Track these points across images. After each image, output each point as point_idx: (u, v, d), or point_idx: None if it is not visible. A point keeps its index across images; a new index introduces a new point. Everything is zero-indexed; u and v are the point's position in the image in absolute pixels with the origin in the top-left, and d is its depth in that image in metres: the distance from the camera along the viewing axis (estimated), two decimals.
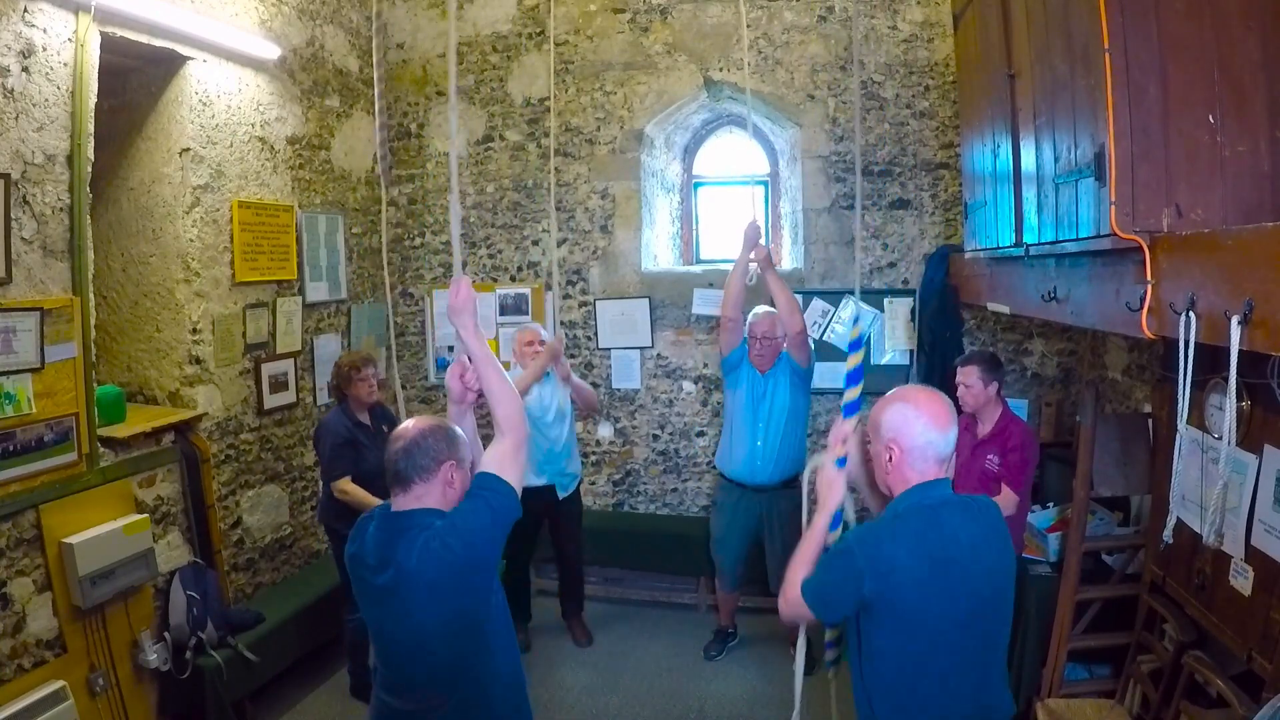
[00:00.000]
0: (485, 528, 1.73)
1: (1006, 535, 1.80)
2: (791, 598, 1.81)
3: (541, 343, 3.89)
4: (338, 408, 3.56)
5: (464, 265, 4.98)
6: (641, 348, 4.79)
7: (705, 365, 4.73)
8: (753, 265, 3.64)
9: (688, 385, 4.78)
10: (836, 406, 4.42)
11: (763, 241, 3.65)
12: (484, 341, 1.90)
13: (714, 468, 4.66)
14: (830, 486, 1.94)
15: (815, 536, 1.91)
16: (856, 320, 2.61)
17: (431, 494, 1.76)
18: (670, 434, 4.84)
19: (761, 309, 3.76)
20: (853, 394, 2.35)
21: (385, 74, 4.93)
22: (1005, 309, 3.18)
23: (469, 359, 1.90)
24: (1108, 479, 3.00)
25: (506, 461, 1.81)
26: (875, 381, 4.46)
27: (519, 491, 1.81)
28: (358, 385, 3.49)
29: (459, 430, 1.86)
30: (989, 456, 3.12)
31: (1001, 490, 3.04)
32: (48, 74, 2.84)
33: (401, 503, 1.78)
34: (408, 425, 1.82)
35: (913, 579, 1.63)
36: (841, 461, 1.97)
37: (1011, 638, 3.07)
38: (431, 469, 1.76)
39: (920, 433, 1.70)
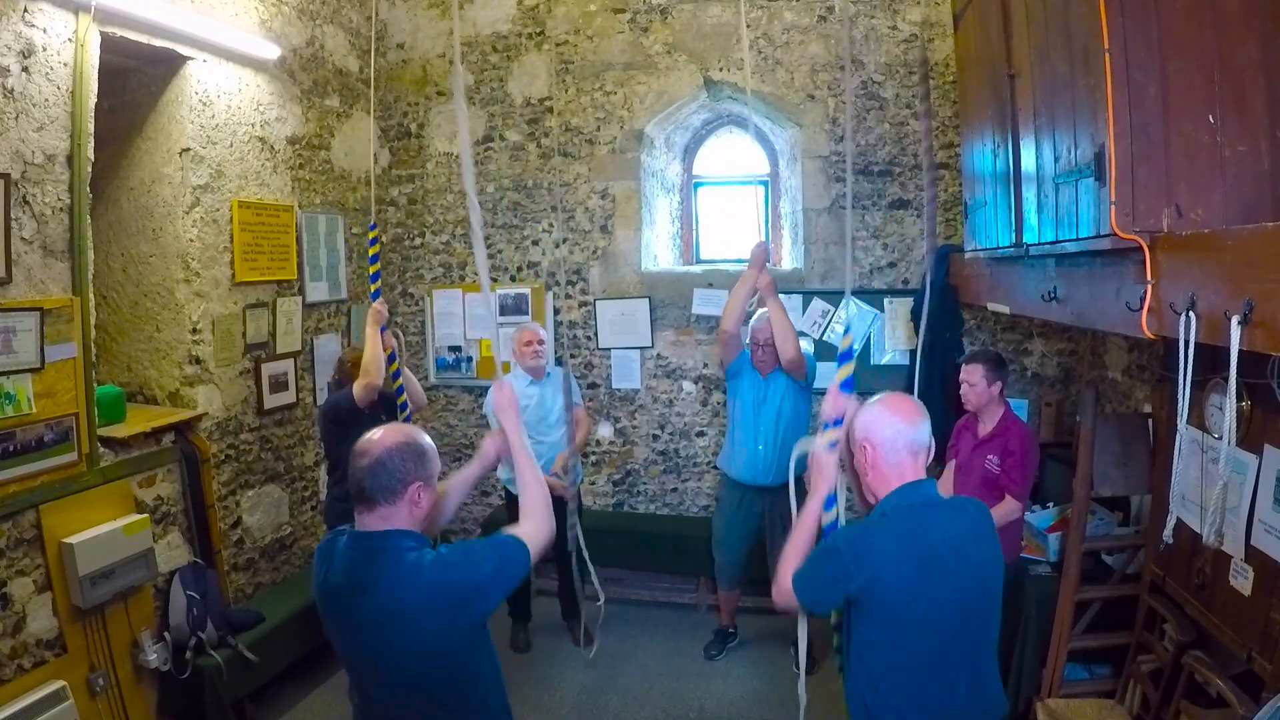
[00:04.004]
0: (488, 576, 1.68)
1: (994, 536, 1.83)
2: (783, 587, 1.86)
3: (541, 342, 3.89)
4: (341, 392, 3.55)
5: (463, 267, 5.00)
6: (641, 348, 4.79)
7: (705, 365, 4.73)
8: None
9: (688, 385, 4.78)
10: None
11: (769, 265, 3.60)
12: (525, 435, 2.04)
13: (714, 468, 4.66)
14: (821, 470, 1.95)
15: (807, 523, 1.94)
16: (847, 330, 2.54)
17: (398, 515, 1.68)
18: (670, 434, 4.84)
19: (762, 313, 3.73)
20: (846, 371, 2.20)
21: (385, 73, 4.93)
22: (1005, 309, 3.18)
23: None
24: (1108, 479, 3.00)
25: (529, 539, 1.80)
26: (875, 381, 4.51)
27: (532, 563, 1.82)
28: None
29: (428, 444, 1.76)
30: (989, 457, 3.13)
31: (1004, 498, 3.05)
32: (48, 74, 2.84)
33: (368, 522, 1.69)
34: (373, 438, 1.71)
35: (900, 577, 1.67)
36: (834, 445, 1.96)
37: (1011, 638, 3.12)
38: (397, 490, 1.66)
39: (888, 424, 1.79)
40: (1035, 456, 3.17)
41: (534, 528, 1.86)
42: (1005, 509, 3.00)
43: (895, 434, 1.78)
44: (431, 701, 1.70)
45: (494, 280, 4.95)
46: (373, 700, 1.74)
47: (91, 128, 3.00)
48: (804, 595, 1.82)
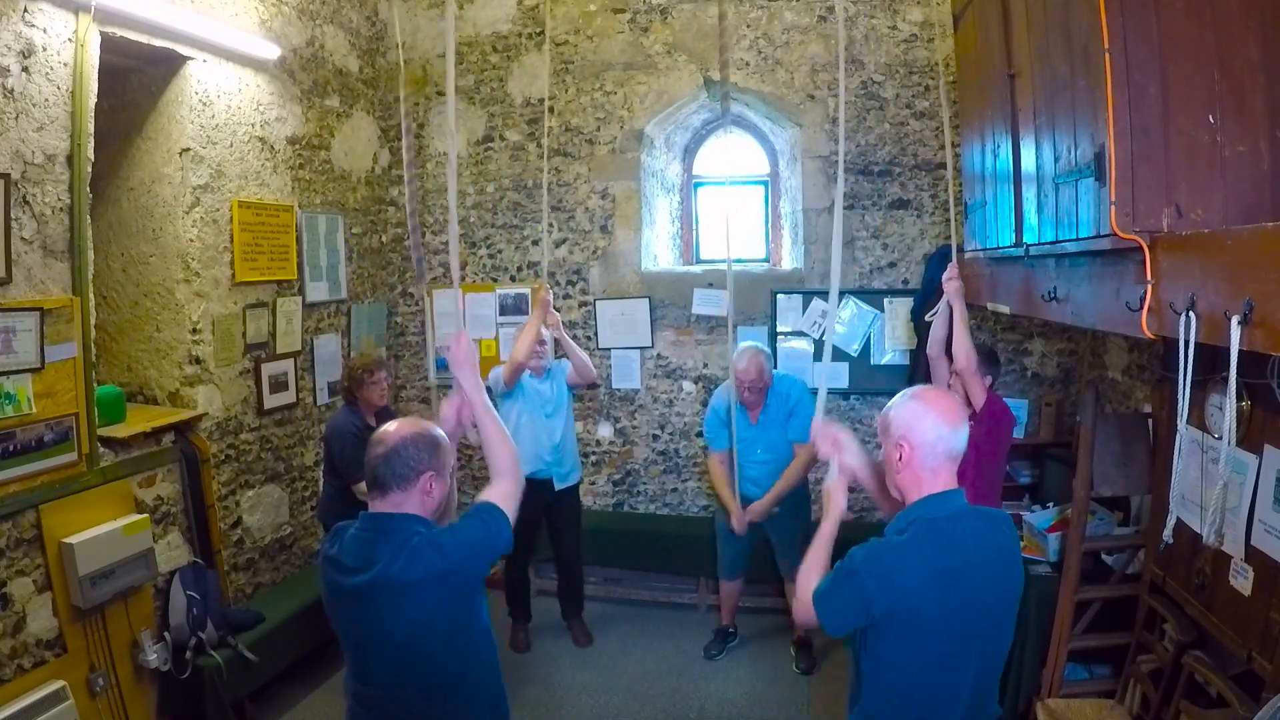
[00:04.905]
0: (479, 541, 1.74)
1: (1018, 551, 1.79)
2: (804, 602, 1.76)
3: (542, 342, 3.90)
4: (346, 409, 3.58)
5: (463, 267, 5.00)
6: (641, 348, 4.79)
7: (705, 365, 4.73)
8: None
9: (688, 385, 4.78)
10: (837, 406, 4.46)
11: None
12: (484, 391, 1.96)
13: None
14: (831, 498, 1.89)
15: (822, 544, 1.86)
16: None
17: (410, 502, 1.74)
18: (670, 434, 4.83)
19: (746, 349, 3.62)
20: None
21: (385, 74, 4.93)
22: (1005, 309, 3.18)
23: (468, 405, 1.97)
24: (1108, 479, 3.00)
25: (504, 501, 1.83)
26: (875, 381, 4.51)
27: (512, 527, 1.83)
28: (369, 388, 3.50)
29: (442, 436, 1.82)
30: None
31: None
32: (48, 74, 2.84)
33: (379, 506, 1.75)
34: (389, 429, 1.78)
35: (923, 597, 1.60)
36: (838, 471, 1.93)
37: (1011, 638, 3.11)
38: (410, 479, 1.73)
39: (930, 428, 1.67)
40: (1008, 425, 3.16)
41: (508, 489, 1.86)
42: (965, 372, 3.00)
43: (938, 438, 1.66)
44: (429, 679, 1.74)
45: (493, 280, 4.95)
46: (372, 680, 1.77)
47: (91, 128, 3.00)
48: (825, 615, 1.71)
